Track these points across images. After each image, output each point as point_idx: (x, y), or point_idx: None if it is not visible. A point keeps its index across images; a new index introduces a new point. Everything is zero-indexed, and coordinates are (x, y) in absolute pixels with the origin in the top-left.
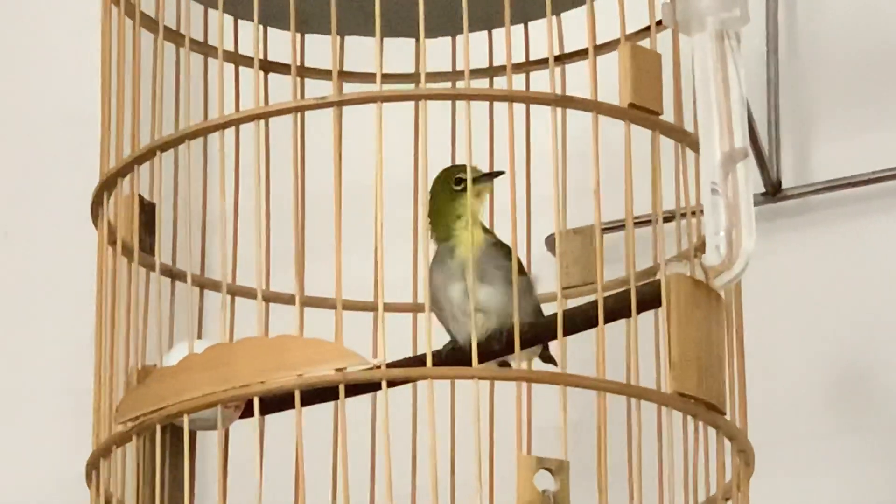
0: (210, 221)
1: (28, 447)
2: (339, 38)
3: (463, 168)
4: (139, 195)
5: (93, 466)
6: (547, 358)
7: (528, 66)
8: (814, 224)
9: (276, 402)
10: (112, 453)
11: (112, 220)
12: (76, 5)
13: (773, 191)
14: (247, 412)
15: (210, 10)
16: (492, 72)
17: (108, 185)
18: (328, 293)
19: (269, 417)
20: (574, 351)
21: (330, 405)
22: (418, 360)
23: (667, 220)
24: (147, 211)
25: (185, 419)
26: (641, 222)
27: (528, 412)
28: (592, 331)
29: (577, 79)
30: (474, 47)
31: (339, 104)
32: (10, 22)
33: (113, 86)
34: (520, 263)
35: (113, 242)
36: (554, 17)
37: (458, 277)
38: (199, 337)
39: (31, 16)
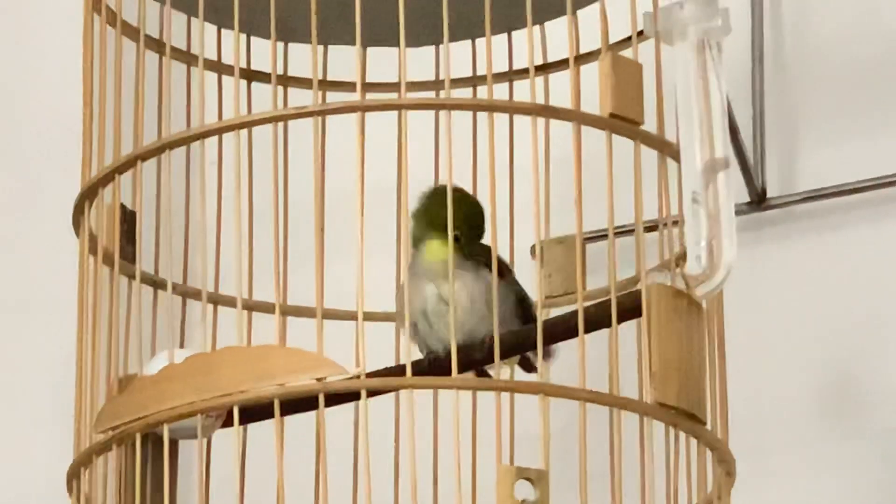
0: (192, 230)
1: (12, 455)
2: (322, 46)
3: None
4: (121, 204)
5: (73, 475)
6: (529, 367)
7: (511, 75)
8: (799, 233)
9: (258, 411)
10: (92, 462)
11: (94, 228)
12: (61, 13)
13: (758, 200)
14: (229, 421)
15: (193, 20)
16: (475, 81)
17: (89, 194)
18: (311, 302)
19: (252, 426)
20: (557, 360)
21: (312, 414)
22: (400, 370)
23: (649, 230)
24: (128, 220)
25: (165, 428)
26: (624, 232)
27: (511, 422)
28: (575, 340)
29: (560, 88)
30: (458, 56)
31: (321, 114)
32: None
33: (95, 94)
34: (502, 264)
35: (95, 251)
36: (537, 27)
37: (430, 281)
38: (182, 346)
39: (16, 24)
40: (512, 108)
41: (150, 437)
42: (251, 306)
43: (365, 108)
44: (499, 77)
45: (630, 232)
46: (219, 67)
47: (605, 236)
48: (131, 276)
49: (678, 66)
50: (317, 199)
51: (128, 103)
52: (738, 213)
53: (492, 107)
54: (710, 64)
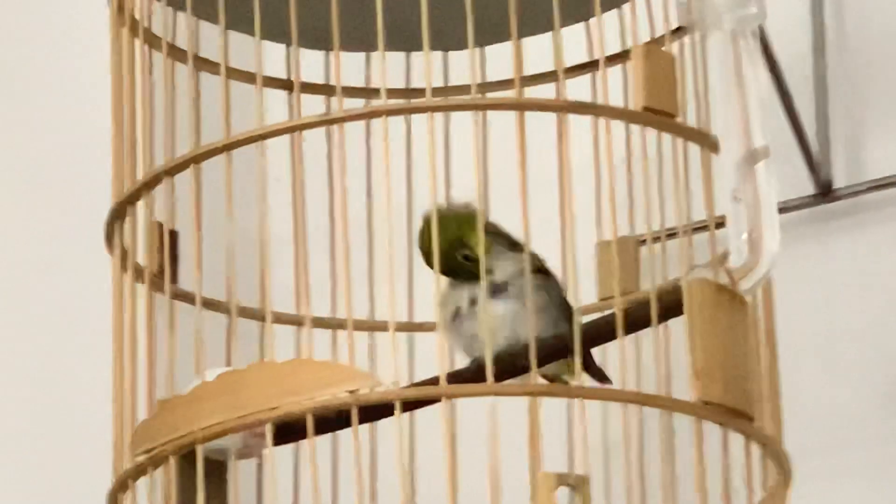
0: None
1: (57, 480)
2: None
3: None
4: (159, 223)
5: (112, 501)
6: (596, 372)
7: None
8: (867, 224)
9: (300, 428)
10: (128, 488)
11: (128, 247)
12: (91, 28)
13: (823, 191)
14: (281, 439)
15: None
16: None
17: (119, 212)
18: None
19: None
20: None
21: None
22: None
23: (699, 229)
24: (169, 238)
25: (199, 449)
26: (674, 234)
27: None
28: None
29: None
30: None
31: (342, 121)
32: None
33: (125, 109)
34: (539, 262)
35: (130, 270)
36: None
37: (465, 288)
38: (229, 364)
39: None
40: (538, 106)
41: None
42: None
43: (388, 112)
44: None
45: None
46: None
47: (657, 239)
48: (175, 296)
49: (713, 55)
50: (341, 207)
51: (158, 116)
52: (802, 205)
53: (516, 105)
54: (745, 52)
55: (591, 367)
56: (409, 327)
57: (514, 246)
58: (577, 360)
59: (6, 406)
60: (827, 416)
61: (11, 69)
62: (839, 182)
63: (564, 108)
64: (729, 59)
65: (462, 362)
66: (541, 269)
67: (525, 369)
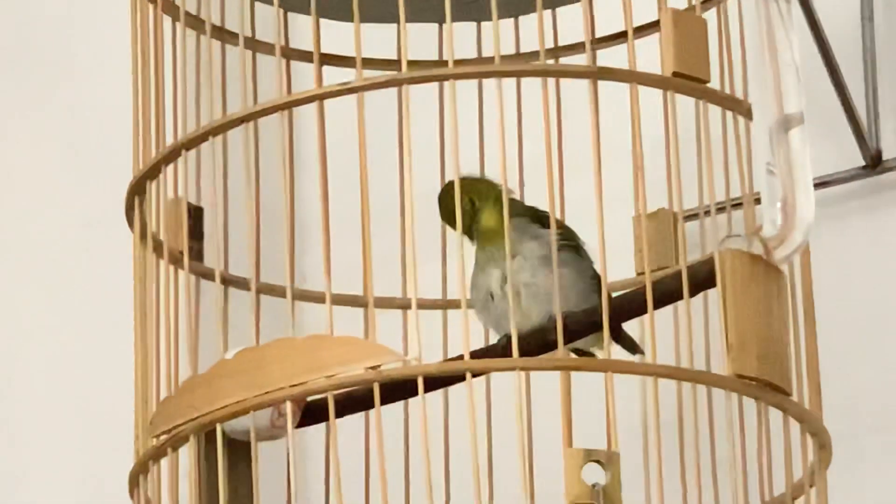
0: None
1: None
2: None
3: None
4: (180, 199)
5: (133, 483)
6: (630, 345)
7: (557, 51)
8: None
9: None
10: (149, 469)
11: (153, 226)
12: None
13: (872, 163)
14: (307, 419)
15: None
16: (557, 52)
17: (138, 188)
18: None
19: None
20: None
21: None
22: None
23: (738, 205)
24: (194, 215)
25: (218, 428)
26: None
27: (567, 402)
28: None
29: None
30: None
31: (363, 89)
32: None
33: (140, 83)
34: (567, 235)
35: (149, 247)
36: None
37: (495, 265)
38: (258, 342)
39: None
40: (564, 73)
41: (225, 438)
42: (298, 295)
43: (409, 81)
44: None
45: (721, 208)
46: (254, 45)
47: (696, 215)
48: (200, 274)
49: (745, 19)
50: (362, 184)
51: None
52: (852, 178)
53: (544, 72)
54: (778, 15)
55: (623, 339)
56: (436, 304)
57: (541, 221)
58: (606, 333)
59: (40, 388)
60: (874, 394)
61: (39, 50)
62: (889, 153)
63: (591, 73)
64: (761, 22)
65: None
66: (568, 244)
67: (554, 344)
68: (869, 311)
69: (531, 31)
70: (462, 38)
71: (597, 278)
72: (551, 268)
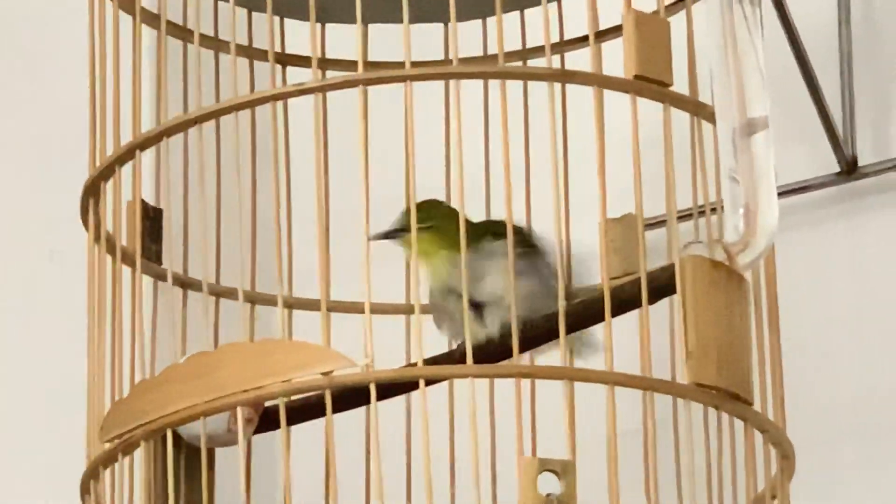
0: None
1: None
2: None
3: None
4: (142, 200)
5: (84, 489)
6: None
7: (525, 53)
8: (894, 202)
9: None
10: (100, 475)
11: (107, 226)
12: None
13: (848, 169)
14: (263, 425)
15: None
16: (524, 54)
17: (91, 189)
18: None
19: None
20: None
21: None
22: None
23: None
24: (153, 217)
25: (168, 434)
26: (682, 216)
27: (532, 409)
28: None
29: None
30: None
31: (322, 90)
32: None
33: (98, 82)
34: (525, 241)
35: (111, 250)
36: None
37: (452, 275)
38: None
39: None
40: (526, 75)
41: (182, 444)
42: (255, 299)
43: (366, 82)
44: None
45: (690, 216)
46: (217, 45)
47: (664, 222)
48: (157, 276)
49: (708, 22)
50: (318, 185)
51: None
52: (827, 184)
53: (505, 74)
54: (741, 18)
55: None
56: (399, 309)
57: (498, 232)
58: (563, 341)
59: None
60: (850, 401)
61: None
62: (864, 159)
63: (553, 76)
64: (725, 25)
65: None
66: (527, 251)
67: (525, 347)
68: (844, 317)
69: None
70: (438, 39)
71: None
72: (511, 276)
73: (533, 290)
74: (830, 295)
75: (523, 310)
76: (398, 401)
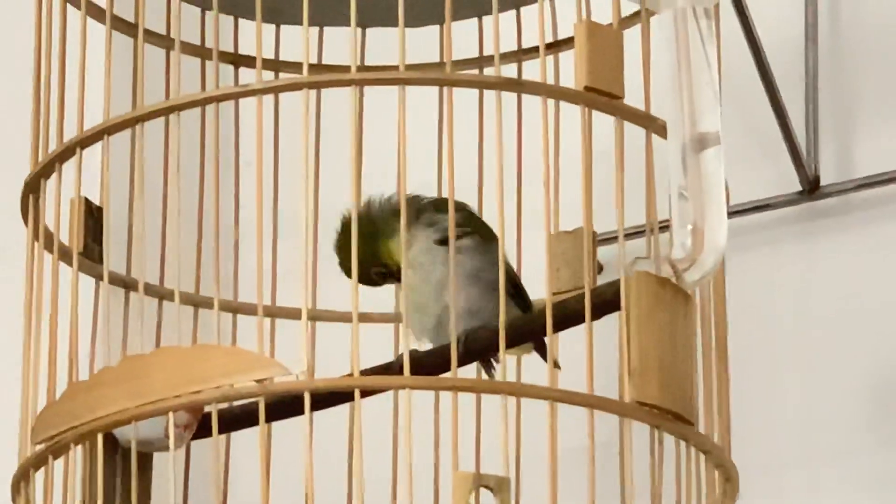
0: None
1: None
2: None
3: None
4: (85, 198)
5: (15, 491)
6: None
7: (482, 60)
8: (856, 224)
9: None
10: (31, 477)
11: (47, 223)
12: None
13: (810, 188)
14: (200, 432)
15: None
16: (481, 62)
17: (32, 186)
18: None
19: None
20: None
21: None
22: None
23: (663, 228)
24: (96, 216)
25: (99, 438)
26: (635, 233)
27: (477, 425)
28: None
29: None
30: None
31: (314, 86)
32: None
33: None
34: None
35: (51, 248)
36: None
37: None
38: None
39: None
40: (477, 83)
41: (118, 448)
42: (196, 302)
43: (311, 86)
44: (507, 57)
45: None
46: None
47: (616, 238)
48: (97, 276)
49: (663, 34)
50: (258, 187)
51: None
52: (788, 202)
53: (454, 81)
54: (695, 32)
55: (546, 353)
56: (345, 318)
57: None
58: (503, 355)
59: None
60: (806, 426)
61: None
62: (827, 179)
63: (499, 85)
64: (678, 39)
65: None
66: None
67: (472, 359)
68: (800, 338)
69: (463, 39)
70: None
71: (515, 288)
72: (459, 287)
73: (483, 303)
74: (782, 316)
75: (477, 320)
76: (342, 410)
